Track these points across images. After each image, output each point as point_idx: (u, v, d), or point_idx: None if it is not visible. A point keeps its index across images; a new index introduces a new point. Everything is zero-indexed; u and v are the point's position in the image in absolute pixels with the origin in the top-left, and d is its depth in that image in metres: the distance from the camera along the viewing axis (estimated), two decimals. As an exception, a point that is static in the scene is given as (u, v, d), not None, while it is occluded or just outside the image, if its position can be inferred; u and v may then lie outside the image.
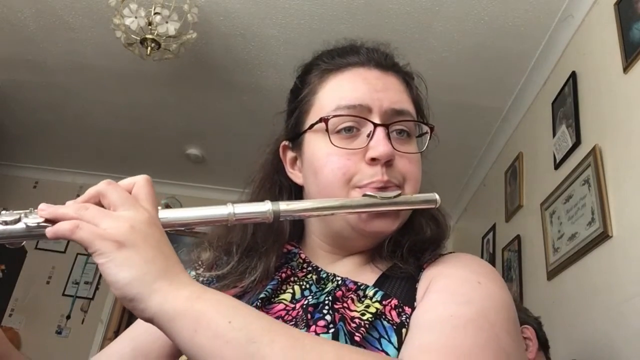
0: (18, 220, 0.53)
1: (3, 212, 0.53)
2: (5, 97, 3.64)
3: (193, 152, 4.11)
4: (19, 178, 4.67)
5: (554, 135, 2.45)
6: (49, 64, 3.22)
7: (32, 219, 0.53)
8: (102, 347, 4.15)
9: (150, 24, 2.38)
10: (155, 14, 2.38)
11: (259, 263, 0.72)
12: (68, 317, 4.29)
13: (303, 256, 0.74)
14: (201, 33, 2.64)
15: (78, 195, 0.56)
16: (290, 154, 0.77)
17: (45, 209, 0.53)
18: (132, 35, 2.43)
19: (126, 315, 4.35)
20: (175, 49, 2.51)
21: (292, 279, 0.71)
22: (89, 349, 4.12)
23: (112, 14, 2.44)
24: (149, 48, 2.40)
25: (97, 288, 4.38)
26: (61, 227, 0.51)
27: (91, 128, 3.95)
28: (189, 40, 2.51)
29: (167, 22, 2.38)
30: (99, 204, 0.55)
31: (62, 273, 4.40)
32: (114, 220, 0.51)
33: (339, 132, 0.69)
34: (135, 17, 2.35)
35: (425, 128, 0.74)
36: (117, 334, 4.26)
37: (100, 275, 3.75)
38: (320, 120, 0.69)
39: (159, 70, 3.09)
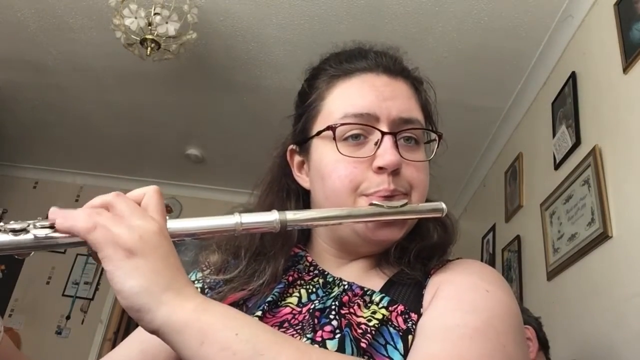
0: (26, 231, 0.52)
1: (11, 222, 0.52)
2: (5, 97, 3.64)
3: (193, 153, 4.10)
4: (19, 178, 4.67)
5: (554, 135, 2.45)
6: (49, 64, 3.22)
7: (41, 230, 0.52)
8: (101, 347, 4.16)
9: (150, 24, 2.38)
10: (155, 14, 2.38)
11: (268, 266, 0.72)
12: (68, 317, 4.29)
13: (310, 259, 0.74)
14: (201, 33, 2.63)
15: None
16: (297, 158, 0.77)
17: (57, 213, 0.52)
18: (132, 36, 2.43)
19: (126, 315, 4.35)
20: (175, 50, 2.51)
21: (298, 282, 0.71)
22: (89, 350, 4.12)
23: (112, 14, 2.44)
24: (149, 48, 2.40)
25: (96, 288, 4.38)
26: (78, 224, 0.51)
27: (91, 128, 3.94)
28: (189, 41, 2.51)
29: (167, 23, 2.38)
30: None
31: (62, 273, 4.40)
32: (125, 227, 0.51)
33: (346, 139, 0.68)
34: (135, 18, 2.35)
35: (434, 135, 0.74)
36: (117, 334, 4.27)
37: (100, 276, 3.74)
38: (328, 128, 0.69)
39: (159, 71, 3.09)
